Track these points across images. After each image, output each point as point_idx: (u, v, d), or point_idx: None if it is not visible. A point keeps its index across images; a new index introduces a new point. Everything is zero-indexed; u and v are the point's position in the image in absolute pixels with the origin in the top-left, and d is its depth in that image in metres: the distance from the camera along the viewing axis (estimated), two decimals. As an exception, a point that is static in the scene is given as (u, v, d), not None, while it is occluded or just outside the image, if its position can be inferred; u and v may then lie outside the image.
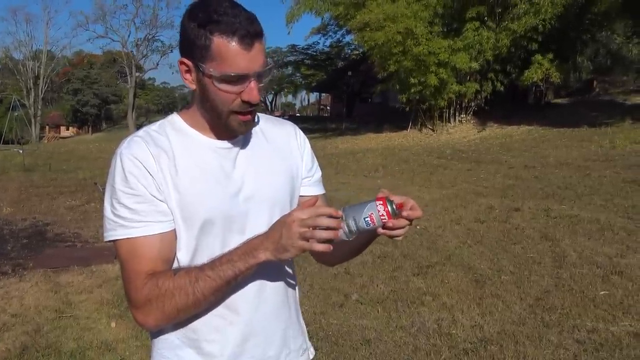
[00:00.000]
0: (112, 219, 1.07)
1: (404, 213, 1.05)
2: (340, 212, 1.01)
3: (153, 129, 1.13)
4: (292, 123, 1.30)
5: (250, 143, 1.17)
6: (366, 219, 1.03)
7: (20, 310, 4.13)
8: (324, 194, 1.30)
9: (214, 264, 1.04)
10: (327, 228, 0.99)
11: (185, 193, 1.07)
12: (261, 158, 1.17)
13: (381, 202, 1.03)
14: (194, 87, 1.08)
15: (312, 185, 1.27)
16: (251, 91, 1.05)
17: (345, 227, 1.02)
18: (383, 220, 1.03)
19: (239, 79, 1.04)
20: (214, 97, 1.06)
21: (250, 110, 1.09)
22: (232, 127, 1.10)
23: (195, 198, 1.08)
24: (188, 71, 1.07)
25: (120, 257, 1.08)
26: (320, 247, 0.99)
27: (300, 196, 1.25)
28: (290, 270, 1.23)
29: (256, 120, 1.19)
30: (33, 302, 4.31)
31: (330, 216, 1.00)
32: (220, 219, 1.10)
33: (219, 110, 1.07)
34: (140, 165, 1.06)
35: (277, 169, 1.19)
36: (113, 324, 3.83)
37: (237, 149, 1.15)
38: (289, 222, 1.00)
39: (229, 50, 1.01)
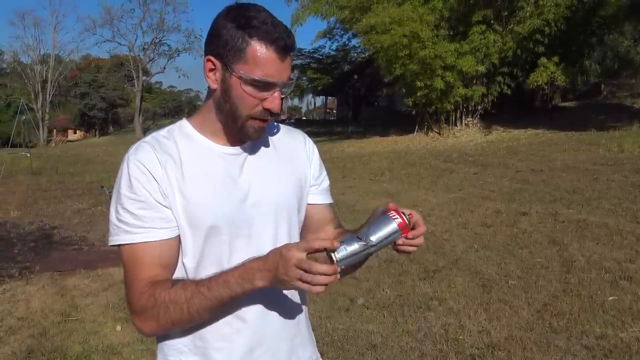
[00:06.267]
0: (115, 224, 1.07)
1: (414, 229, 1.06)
2: (337, 243, 0.97)
3: (161, 134, 1.14)
4: (301, 131, 1.30)
5: (258, 150, 1.17)
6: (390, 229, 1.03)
7: (26, 314, 4.15)
8: (331, 204, 1.29)
9: (210, 282, 1.02)
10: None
11: (191, 199, 1.07)
12: (269, 165, 1.17)
13: (394, 212, 1.04)
14: (215, 86, 1.08)
15: (319, 193, 1.26)
16: (274, 100, 1.06)
17: (367, 244, 1.01)
18: (403, 232, 1.04)
19: (267, 86, 1.05)
20: (236, 99, 1.06)
21: (268, 118, 1.09)
22: (246, 131, 1.10)
23: (201, 204, 1.07)
24: (213, 70, 1.07)
25: (123, 262, 1.08)
26: (315, 289, 0.95)
27: (307, 204, 1.24)
28: None
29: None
30: (39, 306, 4.32)
31: (325, 250, 0.96)
32: (226, 225, 1.09)
33: (238, 114, 1.07)
34: (145, 170, 1.06)
35: (284, 175, 1.18)
36: (119, 328, 3.83)
37: (244, 155, 1.14)
38: (287, 258, 0.95)
39: (265, 57, 1.02)
